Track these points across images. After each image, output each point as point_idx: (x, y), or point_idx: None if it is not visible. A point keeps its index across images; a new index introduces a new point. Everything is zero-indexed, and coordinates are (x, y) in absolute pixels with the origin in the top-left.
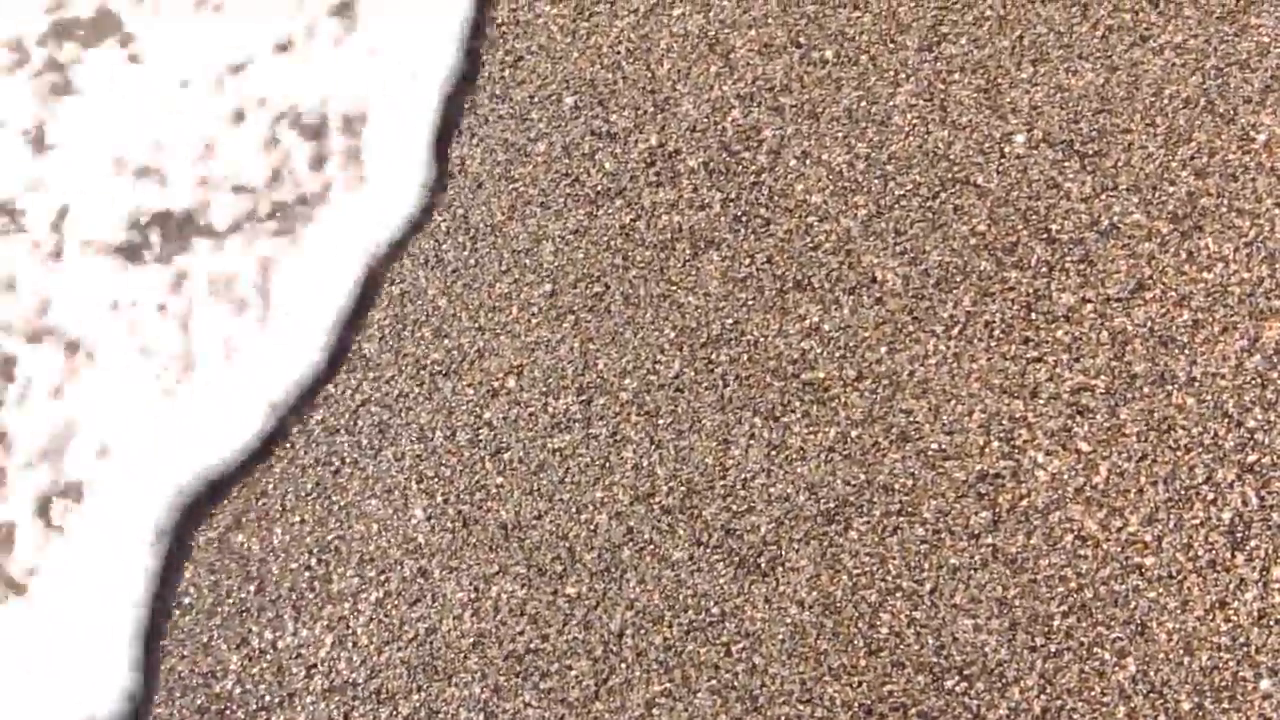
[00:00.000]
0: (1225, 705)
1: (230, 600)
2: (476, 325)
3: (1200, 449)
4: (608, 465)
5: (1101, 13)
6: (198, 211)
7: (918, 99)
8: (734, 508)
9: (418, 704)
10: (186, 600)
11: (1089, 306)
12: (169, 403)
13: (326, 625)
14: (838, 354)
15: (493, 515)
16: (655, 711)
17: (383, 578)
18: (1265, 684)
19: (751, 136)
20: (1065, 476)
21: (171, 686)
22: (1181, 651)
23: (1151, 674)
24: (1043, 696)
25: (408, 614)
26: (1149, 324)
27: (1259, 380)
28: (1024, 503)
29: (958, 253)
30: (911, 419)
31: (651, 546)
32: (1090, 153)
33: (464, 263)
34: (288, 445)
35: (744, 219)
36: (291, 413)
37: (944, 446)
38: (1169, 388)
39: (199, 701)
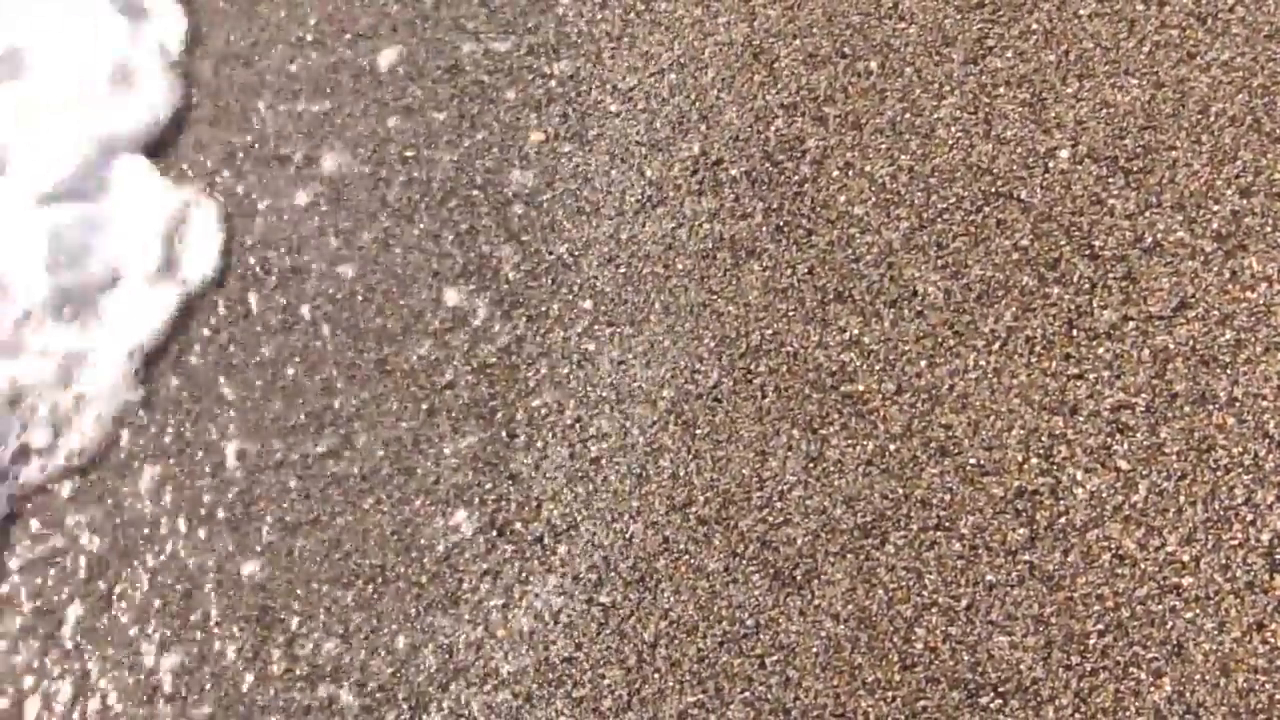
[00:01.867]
0: None
1: None
2: (517, 335)
3: (1240, 470)
4: (645, 475)
5: (1149, 29)
6: None
7: (962, 112)
8: (770, 519)
9: (448, 711)
10: None
11: (1131, 324)
12: None
13: (350, 628)
14: (877, 367)
15: (529, 524)
16: None
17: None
18: None
19: (795, 146)
20: (1104, 494)
21: None
22: (1218, 673)
23: (1187, 695)
24: (1077, 715)
25: (438, 621)
26: (1191, 343)
27: None
28: (1062, 520)
29: (1000, 267)
30: (950, 434)
31: (687, 557)
32: (1135, 169)
33: None
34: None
35: (786, 229)
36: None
37: (982, 462)
38: (1210, 407)
39: None
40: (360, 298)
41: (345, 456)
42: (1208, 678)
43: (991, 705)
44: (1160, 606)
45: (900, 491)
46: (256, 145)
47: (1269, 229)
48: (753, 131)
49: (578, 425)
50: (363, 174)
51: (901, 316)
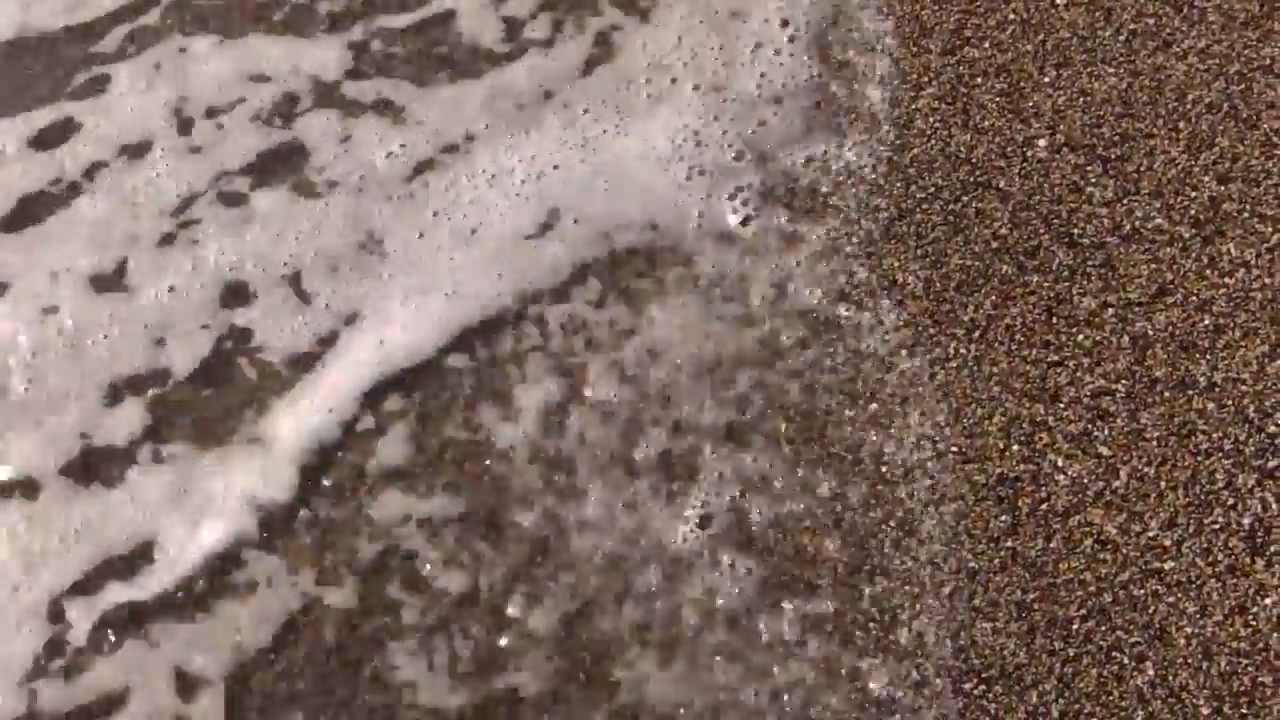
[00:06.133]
0: (1244, 710)
1: None
2: None
3: (1220, 454)
4: None
5: (1125, 17)
6: None
7: (940, 102)
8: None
9: None
10: None
11: (1110, 311)
12: None
13: None
14: None
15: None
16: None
17: None
18: None
19: None
20: (1085, 481)
21: None
22: (1200, 656)
23: (1170, 679)
24: (1061, 700)
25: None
26: (1170, 329)
27: None
28: (1044, 506)
29: (979, 256)
30: (932, 421)
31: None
32: (1113, 157)
33: None
34: None
35: None
36: None
37: (964, 449)
38: (1190, 392)
39: None
40: None
41: None
42: (1190, 661)
43: (975, 691)
44: (1142, 591)
45: None
46: None
47: (1246, 215)
48: None
49: None
50: None
51: (881, 306)
